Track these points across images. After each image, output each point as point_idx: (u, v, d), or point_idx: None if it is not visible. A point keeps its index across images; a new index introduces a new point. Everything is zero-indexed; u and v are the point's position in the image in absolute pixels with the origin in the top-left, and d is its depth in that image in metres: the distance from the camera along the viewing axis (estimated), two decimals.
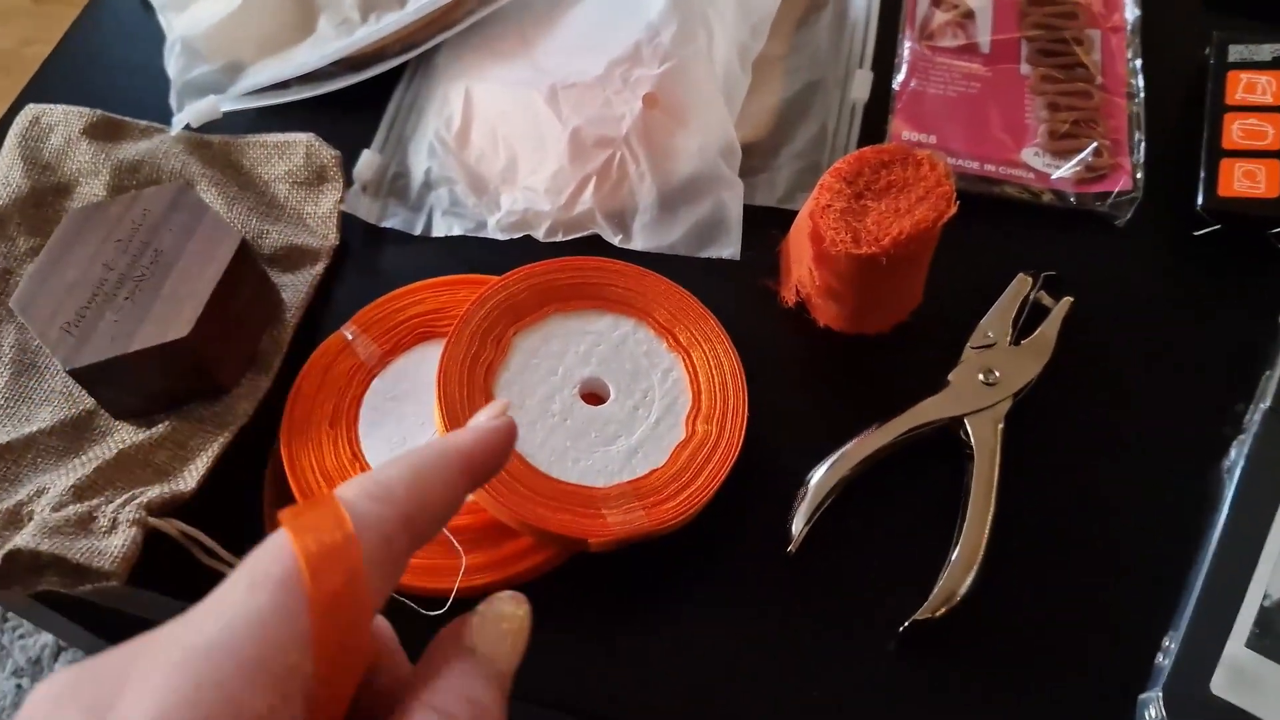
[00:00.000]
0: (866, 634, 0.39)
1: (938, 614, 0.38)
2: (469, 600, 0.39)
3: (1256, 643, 0.37)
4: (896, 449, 0.42)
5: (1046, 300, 0.45)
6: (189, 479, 0.42)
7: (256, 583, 0.20)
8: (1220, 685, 0.37)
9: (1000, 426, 0.42)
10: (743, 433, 0.41)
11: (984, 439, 0.41)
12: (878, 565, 0.41)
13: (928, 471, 0.42)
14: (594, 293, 0.45)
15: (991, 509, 0.40)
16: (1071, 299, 0.45)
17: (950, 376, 0.43)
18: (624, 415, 0.42)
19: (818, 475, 0.41)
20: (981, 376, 0.43)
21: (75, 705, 0.19)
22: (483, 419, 0.26)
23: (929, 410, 0.42)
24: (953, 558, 0.39)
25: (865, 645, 0.39)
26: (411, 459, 0.24)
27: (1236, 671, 0.37)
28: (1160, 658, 0.38)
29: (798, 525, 0.40)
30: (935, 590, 0.38)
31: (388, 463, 0.23)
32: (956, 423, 0.42)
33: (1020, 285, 0.45)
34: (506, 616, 0.24)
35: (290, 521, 0.20)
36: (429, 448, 0.24)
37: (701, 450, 0.41)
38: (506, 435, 0.26)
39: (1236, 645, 0.38)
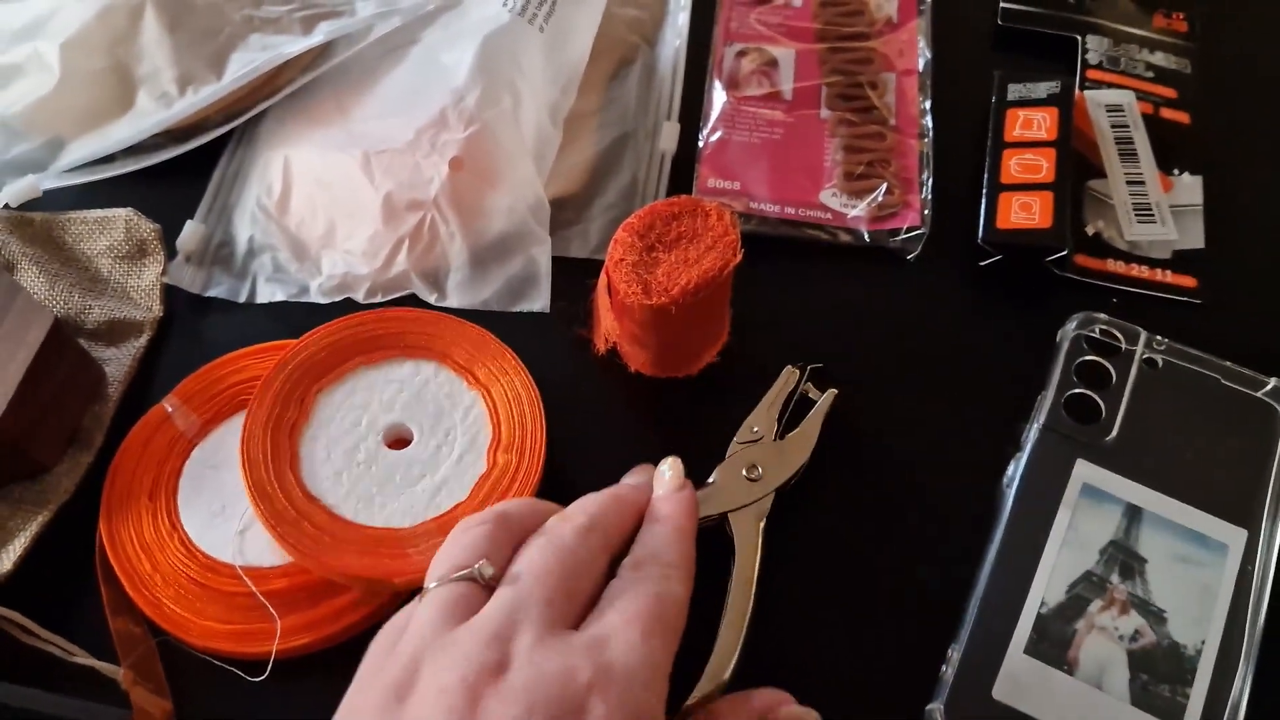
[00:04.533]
0: None
1: (695, 713, 0.38)
2: (288, 662, 0.40)
3: (1034, 648, 0.40)
4: None
5: (813, 393, 0.46)
6: (5, 560, 0.42)
7: None
8: (1001, 691, 0.40)
9: (762, 523, 0.43)
10: (542, 458, 0.43)
11: (745, 535, 0.42)
12: None
13: (697, 568, 0.41)
14: (394, 342, 0.46)
15: (750, 605, 0.41)
16: (835, 391, 0.46)
17: (715, 474, 0.44)
18: (427, 455, 0.43)
19: None
20: (745, 472, 0.44)
21: None
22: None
23: None
24: (712, 656, 0.39)
25: None
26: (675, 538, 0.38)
27: (1016, 677, 0.40)
28: (945, 669, 0.41)
29: None
30: (694, 691, 0.38)
31: (667, 539, 0.38)
32: (721, 520, 0.43)
33: (787, 378, 0.46)
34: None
35: None
36: (675, 526, 0.39)
37: (503, 480, 0.43)
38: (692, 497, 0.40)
39: (1016, 652, 0.40)
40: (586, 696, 0.29)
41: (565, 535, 0.35)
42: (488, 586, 0.33)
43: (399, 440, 0.44)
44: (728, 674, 0.39)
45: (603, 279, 0.46)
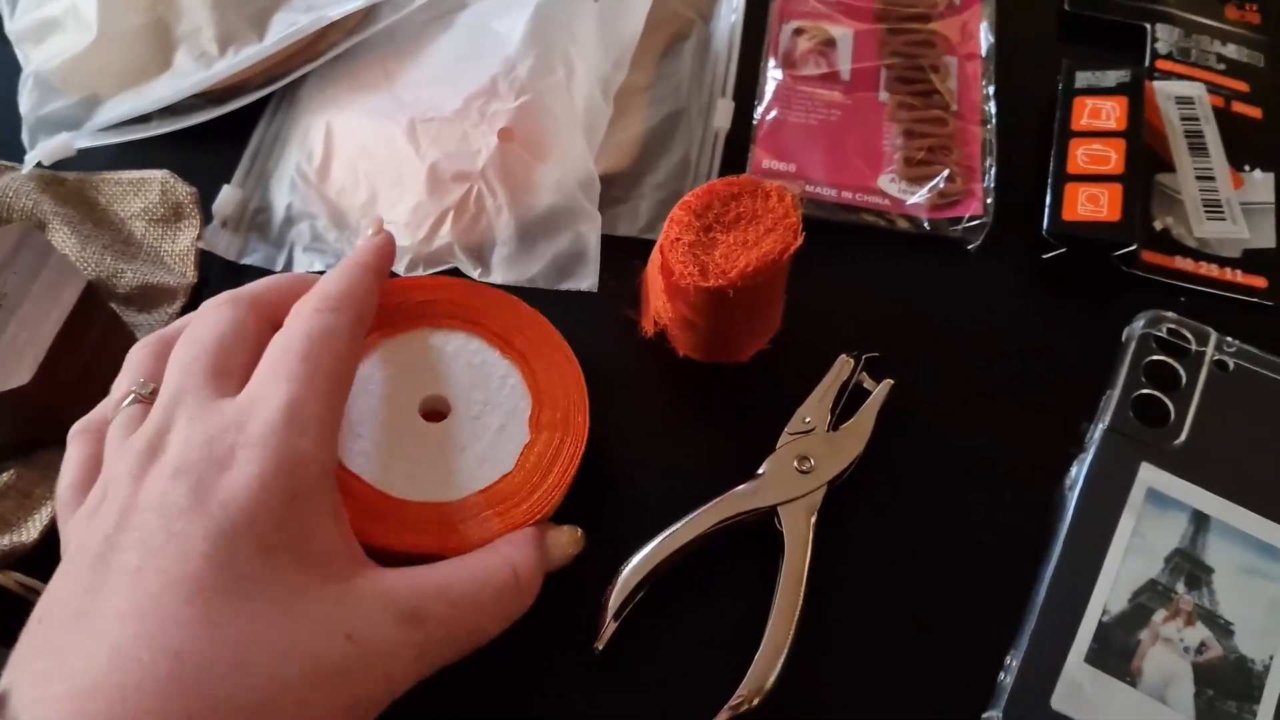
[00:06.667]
0: None
1: (741, 711, 0.37)
2: None
3: (1095, 658, 0.39)
4: (713, 538, 0.41)
5: (868, 383, 0.45)
6: (32, 530, 0.41)
7: None
8: (1060, 700, 0.38)
9: (814, 518, 0.41)
10: (586, 428, 0.42)
11: (796, 530, 0.41)
12: (688, 662, 0.40)
13: (745, 561, 0.41)
14: (421, 310, 0.44)
15: (800, 602, 0.39)
16: (891, 382, 0.44)
17: (764, 465, 0.42)
18: (466, 427, 0.42)
19: (628, 568, 0.40)
20: (796, 464, 0.42)
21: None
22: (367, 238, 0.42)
23: (740, 501, 0.41)
24: (758, 654, 0.38)
25: None
26: (341, 273, 0.38)
27: (1076, 686, 0.38)
28: (1003, 676, 0.39)
29: (605, 621, 0.39)
30: (739, 689, 0.38)
31: (327, 278, 0.38)
32: (770, 512, 0.41)
33: (841, 367, 0.45)
34: (577, 538, 0.40)
35: None
36: (347, 263, 0.39)
37: (548, 450, 0.41)
38: (388, 241, 0.42)
39: (1076, 661, 0.39)
40: (231, 452, 0.32)
41: (203, 318, 0.37)
42: (153, 399, 0.35)
43: (435, 413, 0.43)
44: (773, 677, 0.38)
45: (654, 259, 0.44)
